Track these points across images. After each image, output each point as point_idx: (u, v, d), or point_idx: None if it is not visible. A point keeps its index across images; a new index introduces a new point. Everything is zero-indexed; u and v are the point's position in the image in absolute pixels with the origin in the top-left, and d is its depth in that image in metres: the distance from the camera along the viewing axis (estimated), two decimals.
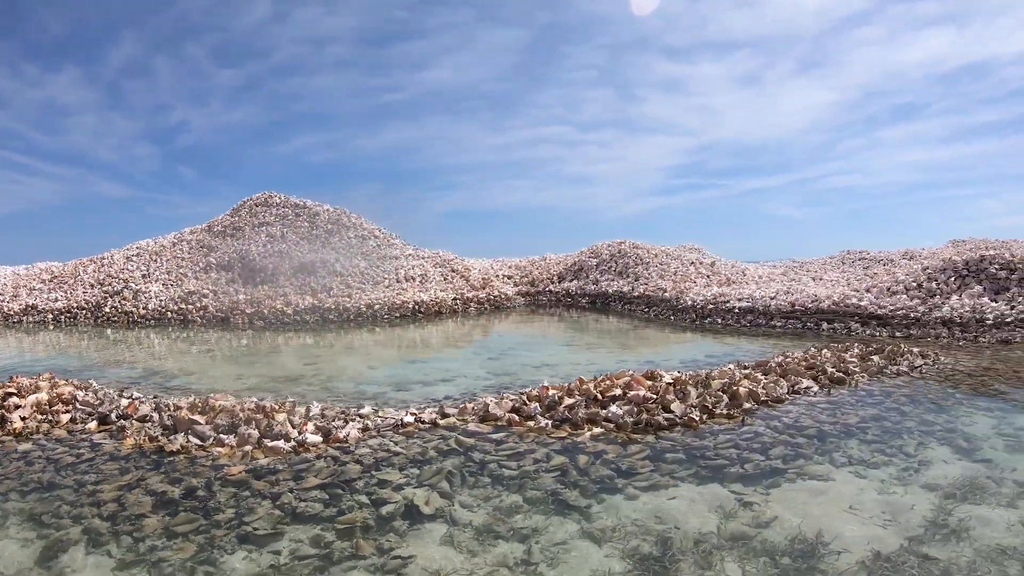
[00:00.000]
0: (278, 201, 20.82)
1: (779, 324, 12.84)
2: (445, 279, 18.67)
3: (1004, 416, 5.33)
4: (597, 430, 4.77)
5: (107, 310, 16.32)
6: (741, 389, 5.64)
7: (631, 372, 6.17)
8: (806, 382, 6.26)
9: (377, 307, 16.14)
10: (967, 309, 11.23)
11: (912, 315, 11.72)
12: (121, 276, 17.80)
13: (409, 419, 5.13)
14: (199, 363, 9.97)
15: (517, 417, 5.08)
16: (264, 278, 17.34)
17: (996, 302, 11.33)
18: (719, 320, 13.83)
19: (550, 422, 4.95)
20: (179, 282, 17.31)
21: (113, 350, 11.52)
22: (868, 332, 11.47)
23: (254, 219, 19.98)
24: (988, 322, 10.70)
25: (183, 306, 16.11)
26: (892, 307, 12.19)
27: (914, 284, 12.98)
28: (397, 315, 16.16)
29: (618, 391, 5.44)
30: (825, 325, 12.29)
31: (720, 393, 5.59)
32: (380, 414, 5.42)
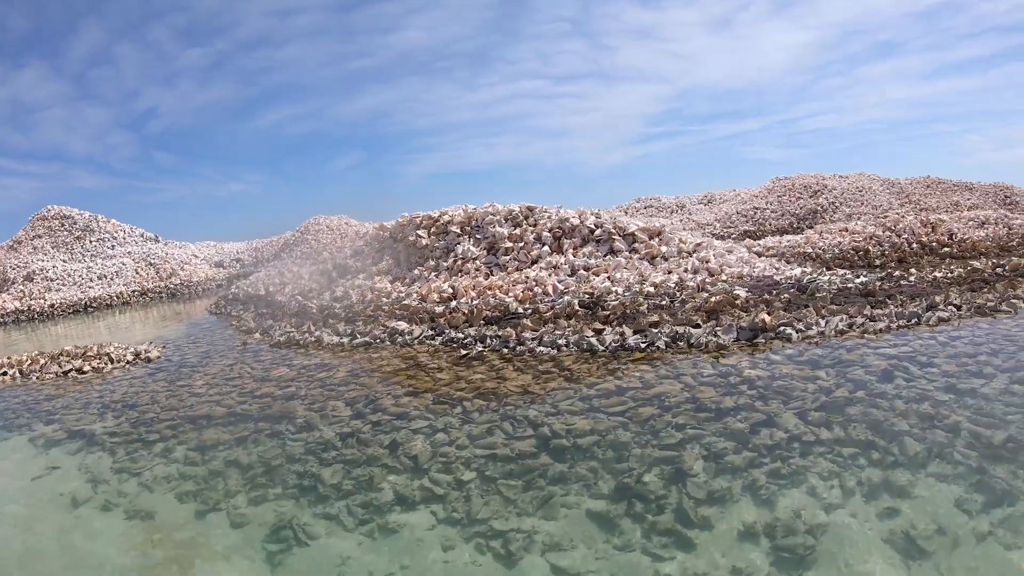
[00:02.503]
0: (54, 214, 26.23)
1: None
2: (138, 273, 23.13)
3: None
4: None
5: None
6: None
7: None
8: None
9: (59, 305, 21.16)
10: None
11: None
12: None
13: None
14: None
15: None
16: (7, 287, 23.03)
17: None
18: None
19: None
20: None
21: None
22: None
23: (32, 232, 25.64)
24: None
25: None
26: None
27: None
28: (71, 311, 21.06)
29: None
30: None
31: None
32: None
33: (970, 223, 16.59)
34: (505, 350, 6.71)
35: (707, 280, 7.72)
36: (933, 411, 3.83)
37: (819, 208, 25.27)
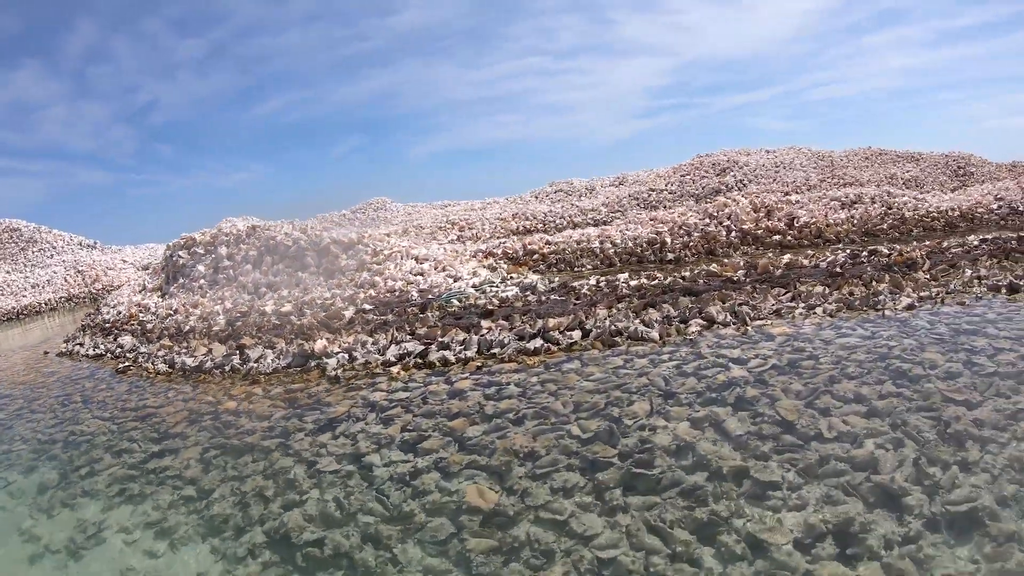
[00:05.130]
0: (4, 227, 28.26)
1: None
2: (67, 280, 24.90)
3: None
4: None
5: None
6: None
7: None
8: None
9: None
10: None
11: None
12: None
13: None
14: None
15: None
16: None
17: None
18: None
19: None
20: None
21: None
22: None
23: None
24: None
25: None
26: None
27: None
28: (5, 319, 22.99)
29: None
30: None
31: None
32: None
33: (833, 203, 15.83)
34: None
35: (358, 296, 8.44)
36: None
37: (723, 187, 25.07)
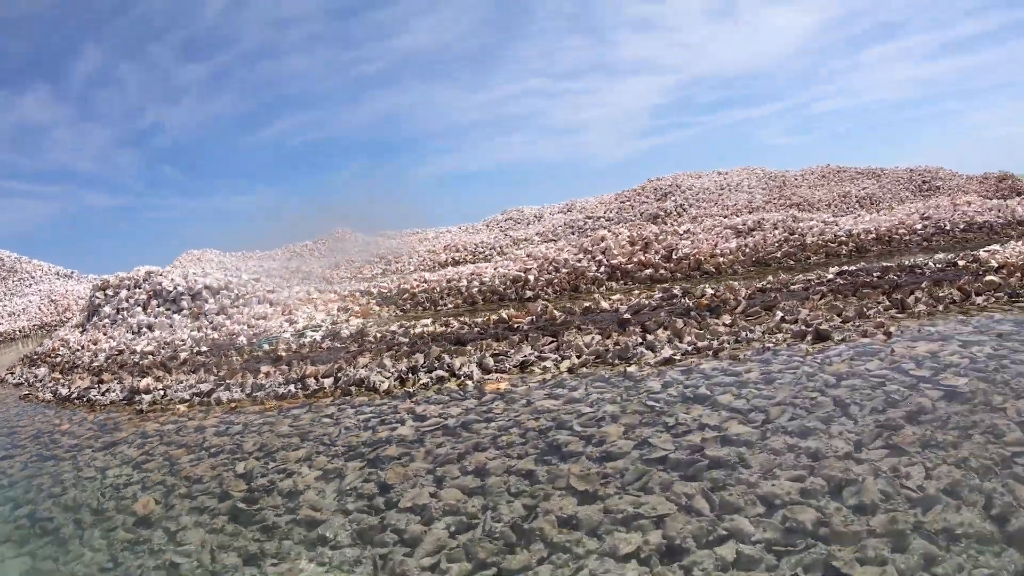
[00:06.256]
0: None
1: None
2: (40, 309, 26.59)
3: None
4: None
5: None
6: None
7: None
8: None
9: None
10: None
11: None
12: None
13: None
14: None
15: None
16: None
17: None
18: None
19: None
20: None
21: None
22: None
23: None
24: None
25: None
26: None
27: None
28: None
29: None
30: None
31: None
32: None
33: (726, 232, 16.41)
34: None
35: (207, 338, 9.79)
36: None
37: (661, 212, 26.31)
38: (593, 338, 6.53)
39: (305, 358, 7.52)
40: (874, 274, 8.00)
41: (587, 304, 9.56)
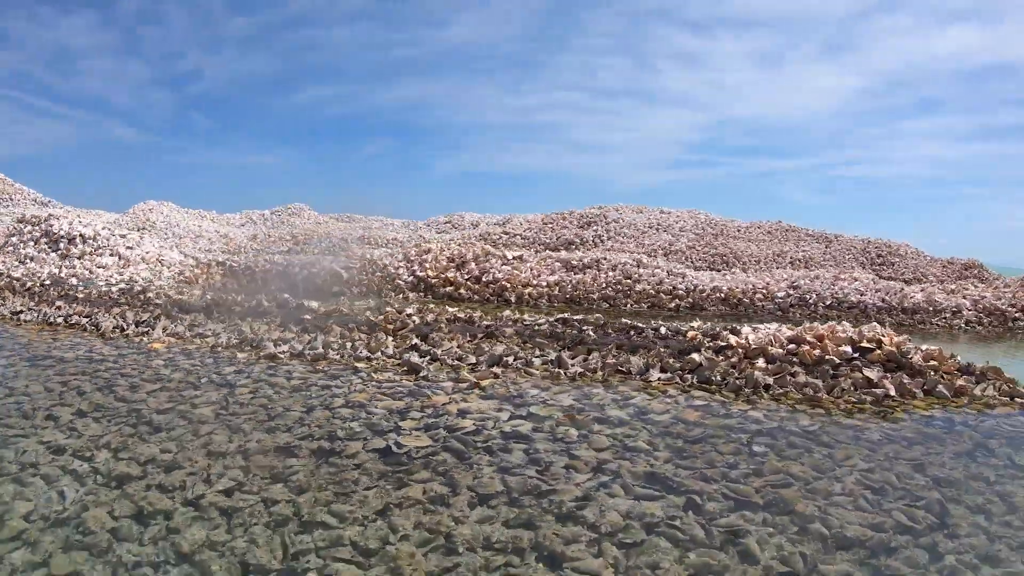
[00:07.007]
0: None
1: None
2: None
3: None
4: None
5: None
6: None
7: None
8: None
9: None
10: None
11: None
12: None
13: None
14: None
15: None
16: None
17: None
18: None
19: None
20: None
21: None
22: None
23: None
24: None
25: None
26: None
27: None
28: None
29: None
30: None
31: None
32: None
33: (555, 264, 14.17)
34: None
35: (59, 275, 12.53)
36: None
37: (577, 240, 28.58)
38: None
39: (86, 302, 10.23)
40: (586, 327, 6.77)
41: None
